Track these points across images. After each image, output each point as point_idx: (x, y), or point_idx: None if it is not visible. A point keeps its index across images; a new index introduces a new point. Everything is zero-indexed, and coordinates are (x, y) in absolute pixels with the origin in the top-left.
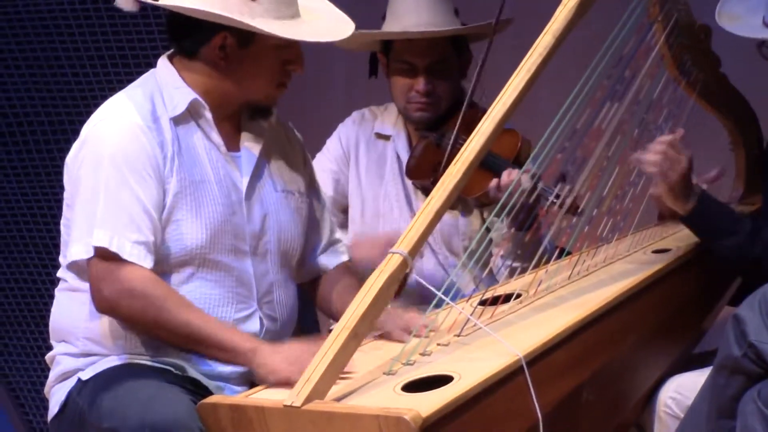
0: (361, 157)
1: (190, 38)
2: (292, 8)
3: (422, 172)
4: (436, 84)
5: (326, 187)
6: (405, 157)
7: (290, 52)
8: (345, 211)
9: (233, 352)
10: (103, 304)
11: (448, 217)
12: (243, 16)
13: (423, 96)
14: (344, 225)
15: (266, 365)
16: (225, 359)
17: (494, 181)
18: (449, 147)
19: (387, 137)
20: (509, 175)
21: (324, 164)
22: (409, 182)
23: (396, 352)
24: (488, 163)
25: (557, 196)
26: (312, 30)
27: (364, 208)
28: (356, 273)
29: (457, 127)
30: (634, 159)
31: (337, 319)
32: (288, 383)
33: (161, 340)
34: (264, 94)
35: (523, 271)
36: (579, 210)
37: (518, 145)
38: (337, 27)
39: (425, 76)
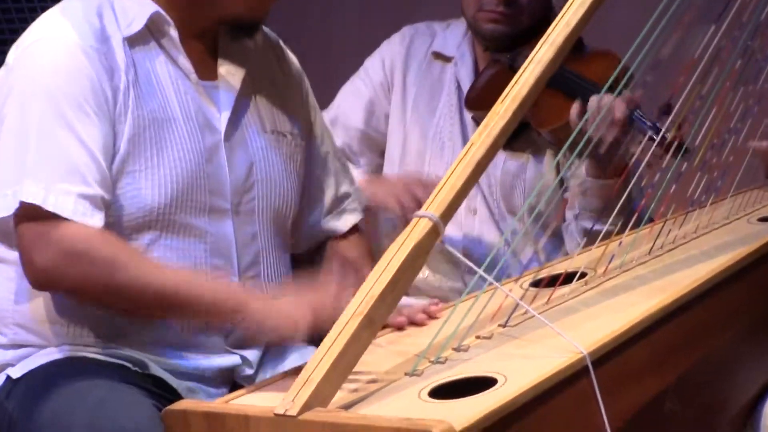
0: (409, 83)
1: None
2: None
3: (485, 100)
4: None
5: (356, 119)
6: (466, 86)
7: None
8: (379, 152)
9: (215, 308)
10: (37, 277)
11: (512, 163)
12: None
13: (500, 4)
14: (379, 170)
15: (260, 320)
16: (206, 319)
17: (575, 107)
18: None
19: (448, 59)
20: (601, 100)
21: (358, 89)
22: (468, 117)
23: (422, 347)
24: (570, 87)
25: (658, 131)
26: None
27: (406, 146)
28: (368, 243)
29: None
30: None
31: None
32: (291, 339)
33: (120, 312)
34: (246, 4)
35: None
36: (684, 148)
37: (613, 68)
38: None
39: None
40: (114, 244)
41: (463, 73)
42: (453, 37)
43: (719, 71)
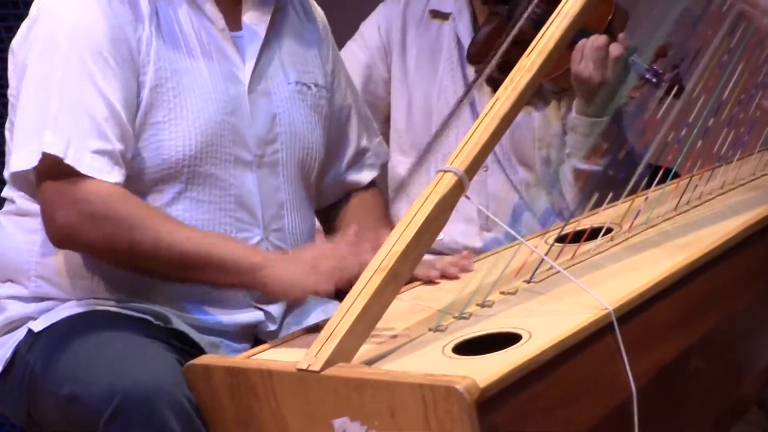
0: (408, 45)
1: None
2: None
3: (487, 54)
4: None
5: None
6: (467, 42)
7: None
8: (379, 118)
9: (237, 270)
10: (58, 235)
11: (519, 115)
12: None
13: None
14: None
15: (280, 279)
16: (225, 281)
17: (577, 51)
18: (521, 20)
19: (445, 16)
20: (595, 40)
21: (354, 54)
22: (471, 73)
23: (445, 302)
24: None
25: (656, 74)
26: None
27: (411, 109)
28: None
29: None
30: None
31: None
32: (315, 293)
33: (139, 272)
34: None
35: (599, 180)
36: (677, 89)
37: (610, 13)
38: None
39: None
40: (134, 203)
41: (462, 28)
42: None
43: (747, 25)
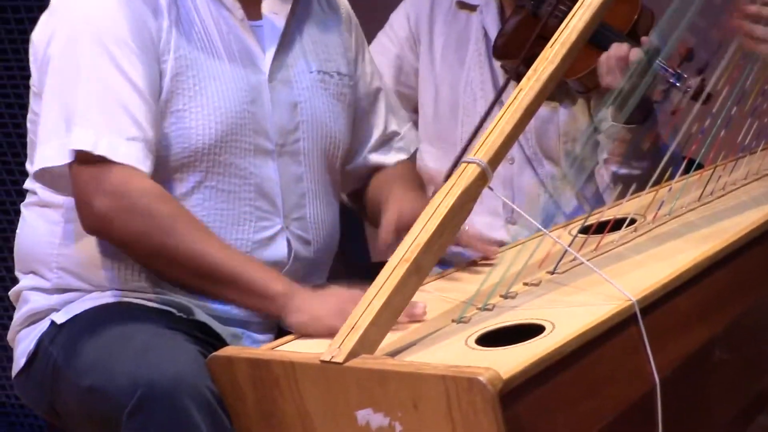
0: (436, 35)
1: None
2: None
3: (512, 50)
4: None
5: (386, 76)
6: (494, 34)
7: None
8: (412, 108)
9: (261, 295)
10: (92, 221)
11: (543, 109)
12: None
13: None
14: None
15: (303, 311)
16: (245, 303)
17: (602, 57)
18: (548, 16)
19: (473, 7)
20: (618, 50)
21: (384, 46)
22: (498, 66)
23: (469, 294)
24: (594, 36)
25: (680, 78)
26: None
27: (438, 100)
28: (418, 174)
29: None
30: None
31: None
32: (330, 335)
33: (162, 272)
34: None
35: (638, 182)
36: (705, 96)
37: (635, 14)
38: None
39: None
40: (173, 205)
41: (489, 20)
42: None
43: None
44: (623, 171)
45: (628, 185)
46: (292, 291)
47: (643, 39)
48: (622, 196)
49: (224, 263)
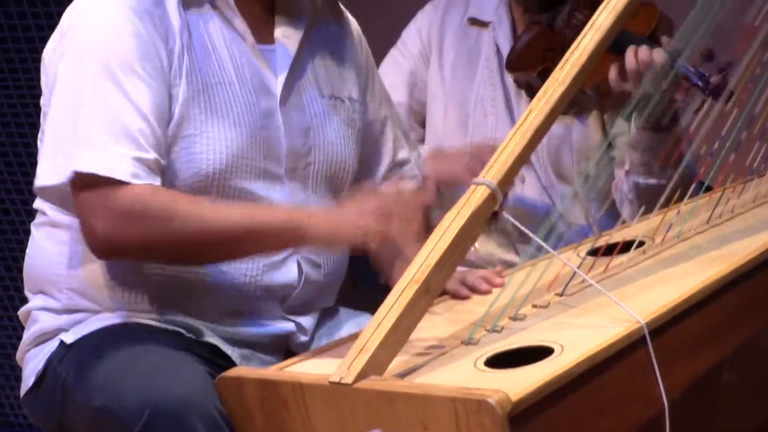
0: (446, 51)
1: None
2: None
3: (527, 61)
4: None
5: (399, 93)
6: (506, 51)
7: None
8: (424, 123)
9: (280, 231)
10: (100, 246)
11: (557, 126)
12: None
13: None
14: (423, 140)
15: (328, 232)
16: (270, 246)
17: (625, 61)
18: (565, 26)
19: (485, 24)
20: (641, 53)
21: (397, 62)
22: (510, 82)
23: (478, 315)
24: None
25: (702, 77)
26: None
27: (448, 116)
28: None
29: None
30: None
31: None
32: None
33: (186, 263)
34: None
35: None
36: (728, 94)
37: (655, 21)
38: None
39: None
40: (164, 195)
41: (501, 36)
42: (489, 0)
43: None
44: (648, 181)
45: (651, 196)
46: (308, 213)
47: (663, 39)
48: (648, 210)
49: (232, 221)
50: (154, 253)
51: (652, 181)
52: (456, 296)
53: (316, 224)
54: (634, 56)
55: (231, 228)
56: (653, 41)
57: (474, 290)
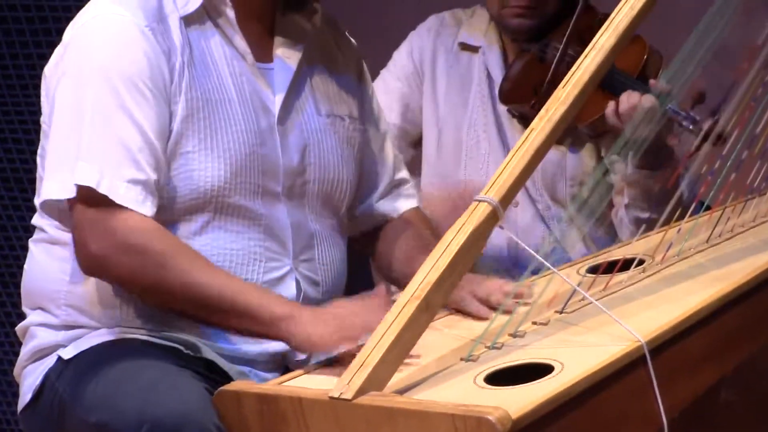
0: (438, 75)
1: None
2: None
3: (520, 94)
4: None
5: (392, 114)
6: (497, 75)
7: None
8: (416, 145)
9: (261, 320)
10: (89, 263)
11: (552, 153)
12: None
13: None
14: (415, 165)
15: (306, 333)
16: (251, 331)
17: (611, 105)
18: (555, 61)
19: (474, 49)
20: (629, 99)
21: (389, 84)
22: (502, 107)
23: (478, 332)
24: (604, 80)
25: (694, 121)
26: None
27: (441, 140)
28: (430, 223)
29: (567, 35)
30: None
31: (402, 286)
32: (335, 356)
33: (164, 308)
34: None
35: (652, 226)
36: (722, 138)
37: (644, 56)
38: None
39: None
40: (168, 240)
41: (492, 61)
42: (479, 24)
43: None
44: (645, 215)
45: (652, 227)
46: (292, 313)
47: (652, 82)
48: (636, 232)
49: (222, 292)
50: (137, 289)
51: (647, 215)
52: (472, 313)
53: (298, 325)
54: (627, 100)
55: (219, 301)
56: (643, 78)
57: (491, 308)
